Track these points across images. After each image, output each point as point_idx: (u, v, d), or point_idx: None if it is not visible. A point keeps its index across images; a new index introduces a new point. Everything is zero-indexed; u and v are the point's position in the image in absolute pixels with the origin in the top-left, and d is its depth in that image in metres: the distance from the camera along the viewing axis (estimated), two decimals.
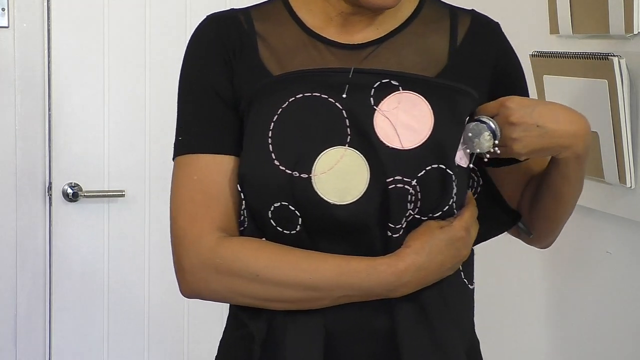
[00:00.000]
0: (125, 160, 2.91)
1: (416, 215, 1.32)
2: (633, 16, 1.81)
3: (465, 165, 1.36)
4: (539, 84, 2.07)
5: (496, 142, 1.33)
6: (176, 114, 1.42)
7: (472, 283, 1.43)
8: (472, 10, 1.45)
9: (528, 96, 1.46)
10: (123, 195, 2.90)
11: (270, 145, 1.31)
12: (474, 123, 1.34)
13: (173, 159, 1.39)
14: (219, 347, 1.46)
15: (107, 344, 2.94)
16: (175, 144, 1.40)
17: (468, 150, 1.35)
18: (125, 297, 2.94)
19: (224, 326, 1.46)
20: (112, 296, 2.93)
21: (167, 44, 2.90)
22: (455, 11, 1.44)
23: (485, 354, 1.48)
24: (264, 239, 1.34)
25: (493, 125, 1.33)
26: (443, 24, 1.42)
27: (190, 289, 1.36)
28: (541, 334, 2.30)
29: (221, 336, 1.46)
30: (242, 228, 1.36)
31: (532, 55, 2.05)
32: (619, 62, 1.81)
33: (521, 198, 1.49)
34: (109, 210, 2.92)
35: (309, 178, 1.29)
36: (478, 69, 1.40)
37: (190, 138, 1.37)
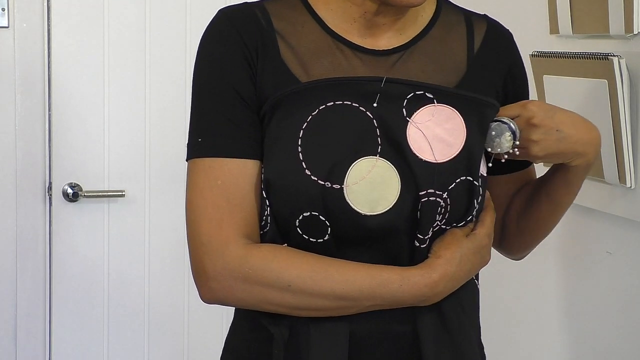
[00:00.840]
0: (125, 160, 2.91)
1: (442, 226, 1.33)
2: (633, 16, 1.81)
3: (485, 174, 1.37)
4: (539, 84, 2.06)
5: (516, 142, 1.35)
6: (190, 114, 1.36)
7: (478, 282, 1.43)
8: (485, 15, 1.46)
9: None
10: (123, 195, 2.90)
11: (301, 154, 1.29)
12: (495, 123, 1.35)
13: (188, 159, 1.35)
14: (227, 349, 1.44)
15: (107, 344, 2.94)
16: (192, 144, 1.35)
17: (489, 149, 1.36)
18: (125, 297, 2.94)
19: (230, 327, 1.44)
20: (112, 296, 2.93)
21: (167, 43, 2.90)
22: (469, 16, 1.44)
23: (486, 353, 1.48)
24: (285, 244, 1.32)
25: (514, 126, 1.35)
26: (460, 29, 1.41)
27: (213, 296, 1.32)
28: (541, 333, 2.30)
29: (226, 337, 1.44)
30: (262, 232, 1.34)
31: (532, 55, 2.05)
32: (619, 62, 1.80)
33: (509, 206, 1.50)
34: (109, 210, 2.92)
35: (341, 189, 1.28)
36: (492, 76, 1.41)
37: (213, 140, 1.32)
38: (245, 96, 1.33)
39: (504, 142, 1.34)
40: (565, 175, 1.42)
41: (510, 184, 1.49)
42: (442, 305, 1.34)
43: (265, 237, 1.34)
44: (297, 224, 1.30)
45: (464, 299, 1.37)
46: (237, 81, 1.33)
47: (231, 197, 1.31)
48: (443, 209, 1.31)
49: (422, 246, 1.31)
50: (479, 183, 1.34)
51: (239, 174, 1.32)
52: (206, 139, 1.33)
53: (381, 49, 1.36)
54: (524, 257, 1.57)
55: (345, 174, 1.28)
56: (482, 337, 1.46)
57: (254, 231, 1.33)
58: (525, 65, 1.50)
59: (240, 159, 1.32)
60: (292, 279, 1.28)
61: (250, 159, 1.32)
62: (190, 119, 1.37)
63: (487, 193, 1.40)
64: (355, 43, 1.36)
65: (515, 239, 1.52)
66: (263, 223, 1.33)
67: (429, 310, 1.33)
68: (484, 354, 1.46)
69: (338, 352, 1.31)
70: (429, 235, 1.32)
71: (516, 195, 1.50)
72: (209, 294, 1.32)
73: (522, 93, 1.46)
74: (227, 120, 1.32)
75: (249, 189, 1.32)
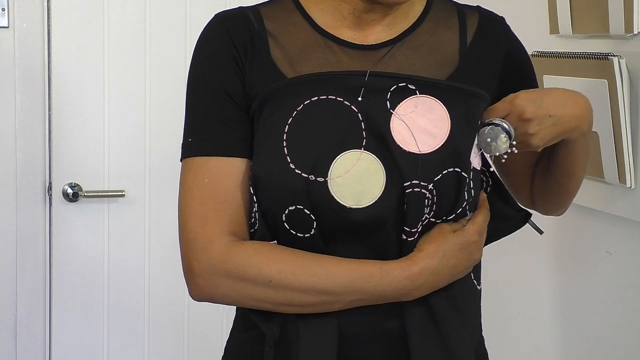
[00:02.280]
0: (125, 160, 2.91)
1: (431, 219, 1.32)
2: (633, 16, 1.81)
3: (478, 167, 1.36)
4: (539, 84, 2.06)
5: (513, 142, 1.35)
6: (184, 115, 1.39)
7: (479, 284, 1.43)
8: (478, 7, 1.46)
9: (538, 86, 1.48)
10: (123, 195, 2.90)
11: (285, 148, 1.30)
12: (488, 127, 1.35)
13: (181, 160, 1.38)
14: (227, 348, 1.45)
15: (107, 344, 2.95)
16: (183, 144, 1.38)
17: (488, 155, 1.36)
18: (125, 297, 2.94)
19: (231, 327, 1.45)
20: (112, 296, 2.93)
21: (167, 44, 2.90)
22: (462, 10, 1.44)
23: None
24: (275, 241, 1.33)
25: (507, 126, 1.34)
26: (452, 22, 1.42)
27: (200, 293, 1.34)
28: (542, 333, 2.30)
29: (228, 337, 1.45)
30: (253, 230, 1.35)
31: (532, 55, 2.05)
32: (619, 62, 1.81)
33: (533, 177, 1.51)
34: (109, 210, 2.92)
35: (325, 182, 1.28)
36: (488, 66, 1.41)
37: (201, 140, 1.35)
38: (234, 96, 1.35)
39: (500, 145, 1.34)
40: (566, 147, 1.42)
41: (527, 156, 1.49)
42: (431, 302, 1.33)
43: (255, 235, 1.35)
44: (283, 219, 1.30)
45: (458, 298, 1.36)
46: (226, 82, 1.35)
47: (217, 194, 1.33)
48: (430, 201, 1.31)
49: (409, 239, 1.31)
50: (468, 175, 1.33)
51: (225, 173, 1.34)
52: (195, 139, 1.36)
53: (370, 44, 1.37)
54: (564, 211, 1.57)
55: (329, 167, 1.29)
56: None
57: (241, 229, 1.35)
58: None
59: (228, 157, 1.34)
60: (273, 275, 1.30)
61: (238, 157, 1.34)
62: (184, 120, 1.39)
63: (483, 194, 1.40)
64: (344, 39, 1.37)
65: (544, 204, 1.53)
66: (252, 221, 1.34)
67: (417, 306, 1.33)
68: (486, 352, 1.46)
69: (327, 349, 1.31)
70: (418, 229, 1.31)
71: (536, 166, 1.51)
72: (197, 291, 1.34)
73: (526, 77, 1.46)
74: (216, 119, 1.35)
75: (235, 187, 1.34)
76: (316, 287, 1.29)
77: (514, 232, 1.49)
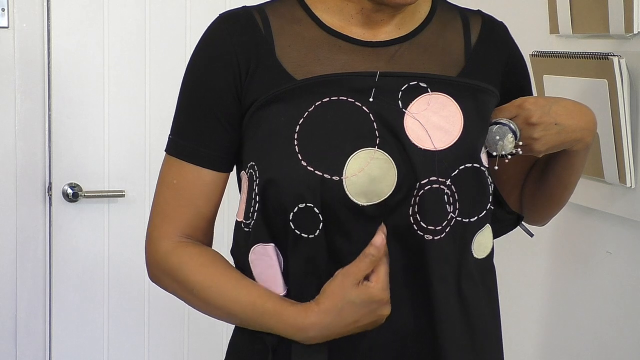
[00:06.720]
0: (125, 160, 2.91)
1: (457, 218, 1.32)
2: (633, 16, 1.81)
3: (487, 164, 1.37)
4: (538, 83, 2.07)
5: (520, 143, 1.36)
6: (175, 108, 1.43)
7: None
8: (479, 10, 1.47)
9: (532, 94, 1.50)
10: (123, 195, 2.90)
11: (297, 147, 1.30)
12: (497, 126, 1.36)
13: (165, 151, 1.43)
14: (230, 350, 1.45)
15: (107, 344, 2.94)
16: (168, 138, 1.42)
17: (495, 154, 1.37)
18: (125, 297, 2.94)
19: (233, 332, 1.45)
20: (112, 296, 2.93)
21: (167, 43, 2.90)
22: (464, 12, 1.45)
23: None
24: (272, 244, 1.33)
25: (514, 127, 1.36)
26: (456, 24, 1.43)
27: (152, 279, 1.44)
28: (541, 333, 2.30)
29: (231, 337, 1.45)
30: (249, 230, 1.36)
31: (532, 55, 2.05)
32: (619, 62, 1.80)
33: (525, 182, 1.52)
34: (109, 210, 2.91)
35: (340, 180, 1.28)
36: (491, 69, 1.43)
37: (179, 142, 1.39)
38: (222, 109, 1.36)
39: (507, 144, 1.36)
40: (568, 158, 1.44)
41: (521, 163, 1.50)
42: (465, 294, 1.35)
43: (250, 235, 1.36)
44: (290, 218, 1.30)
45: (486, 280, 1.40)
46: (218, 89, 1.36)
47: (181, 197, 1.39)
48: (451, 198, 1.31)
49: (435, 238, 1.31)
50: (485, 169, 1.34)
51: (192, 179, 1.38)
52: (174, 138, 1.41)
53: (380, 40, 1.38)
54: (546, 224, 1.60)
55: (344, 165, 1.29)
56: None
57: (198, 234, 1.40)
58: None
59: (196, 166, 1.38)
60: (195, 286, 1.37)
61: (206, 168, 1.38)
62: (174, 112, 1.43)
63: (381, 236, 1.32)
64: (353, 37, 1.37)
65: (531, 213, 1.54)
66: (250, 221, 1.35)
67: (450, 304, 1.33)
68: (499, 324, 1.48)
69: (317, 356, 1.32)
70: (445, 229, 1.31)
71: (529, 175, 1.52)
72: (150, 277, 1.44)
73: (522, 83, 1.48)
74: (196, 129, 1.38)
75: (199, 195, 1.39)
76: (225, 309, 1.36)
77: (505, 234, 1.50)
